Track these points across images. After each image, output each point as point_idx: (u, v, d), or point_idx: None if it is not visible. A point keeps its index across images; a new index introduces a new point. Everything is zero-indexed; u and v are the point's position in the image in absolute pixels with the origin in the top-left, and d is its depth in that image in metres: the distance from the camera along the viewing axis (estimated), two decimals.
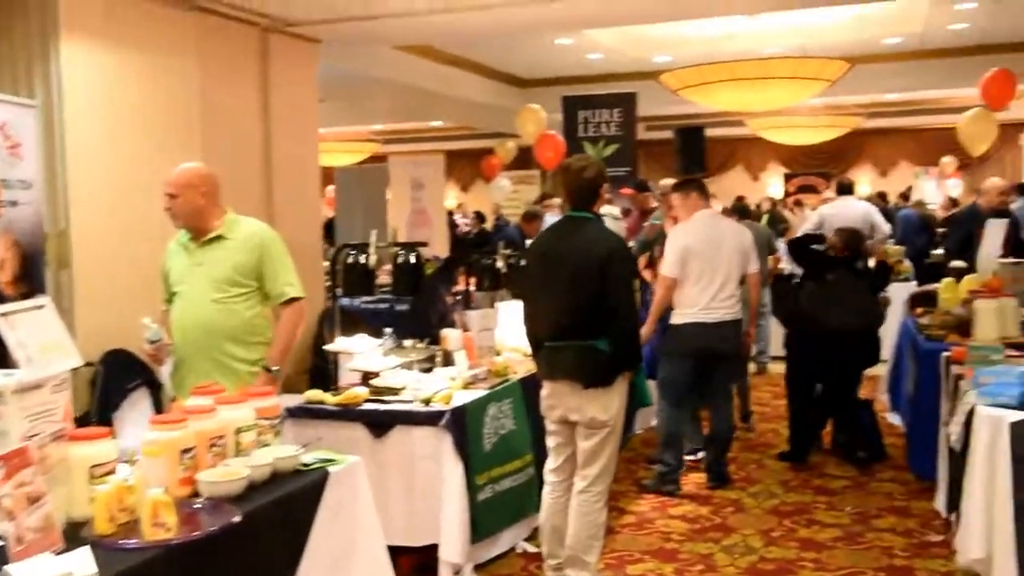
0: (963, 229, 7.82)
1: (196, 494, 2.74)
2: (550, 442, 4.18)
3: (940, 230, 13.37)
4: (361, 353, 4.72)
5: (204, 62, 5.97)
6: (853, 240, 6.29)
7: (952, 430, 4.15)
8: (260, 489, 2.83)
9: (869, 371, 6.39)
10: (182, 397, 3.47)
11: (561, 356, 3.97)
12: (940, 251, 11.56)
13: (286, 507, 2.85)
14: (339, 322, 5.04)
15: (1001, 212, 7.60)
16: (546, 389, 4.12)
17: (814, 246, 6.69)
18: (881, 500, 5.38)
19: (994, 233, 6.79)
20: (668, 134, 14.38)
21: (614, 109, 10.98)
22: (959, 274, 6.92)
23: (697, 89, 9.50)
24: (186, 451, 2.77)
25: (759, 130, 15.73)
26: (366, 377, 4.53)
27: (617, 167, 10.28)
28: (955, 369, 4.76)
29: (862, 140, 18.64)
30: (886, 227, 9.39)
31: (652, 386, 6.16)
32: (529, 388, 4.76)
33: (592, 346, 3.89)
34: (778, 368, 8.68)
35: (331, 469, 3.10)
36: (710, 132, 16.73)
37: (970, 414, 3.97)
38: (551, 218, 8.79)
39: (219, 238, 3.84)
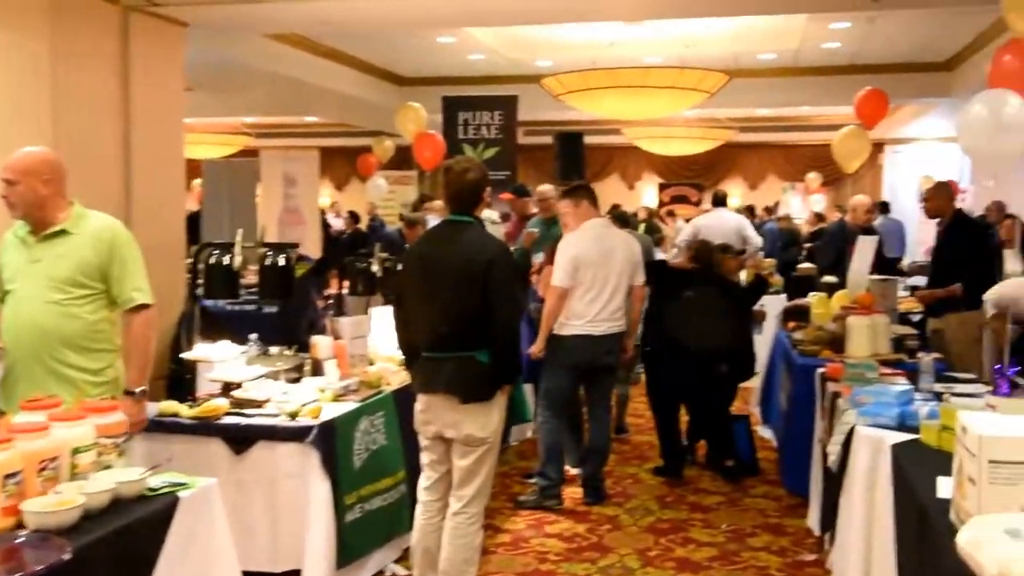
0: (833, 245, 7.98)
1: (21, 526, 2.41)
2: (424, 459, 3.95)
3: (807, 244, 13.79)
4: (222, 361, 4.39)
5: (56, 42, 5.48)
6: (703, 253, 6.25)
7: (831, 449, 4.11)
8: (97, 519, 2.52)
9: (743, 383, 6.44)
10: (10, 411, 3.08)
11: (440, 368, 3.75)
12: (807, 264, 11.89)
13: (127, 539, 2.55)
14: (200, 326, 4.69)
15: (867, 229, 7.77)
16: (421, 403, 3.88)
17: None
18: (755, 516, 5.36)
19: (864, 249, 6.91)
20: (547, 140, 14.34)
21: (495, 111, 10.82)
22: (830, 289, 7.04)
23: (580, 95, 9.43)
24: (10, 476, 2.44)
25: (636, 139, 15.89)
26: (227, 388, 4.21)
27: (497, 171, 10.09)
28: (831, 386, 4.76)
29: (734, 153, 19.07)
30: (758, 240, 9.54)
31: (529, 391, 6.09)
32: (402, 401, 4.52)
33: (472, 358, 3.69)
34: None
35: (181, 494, 2.81)
36: (588, 140, 16.80)
37: (849, 434, 3.95)
38: (434, 221, 8.55)
39: (62, 233, 3.46)
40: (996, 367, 3.54)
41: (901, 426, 3.78)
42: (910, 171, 17.73)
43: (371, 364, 4.94)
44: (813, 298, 6.72)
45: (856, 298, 5.91)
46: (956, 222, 6.20)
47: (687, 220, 16.37)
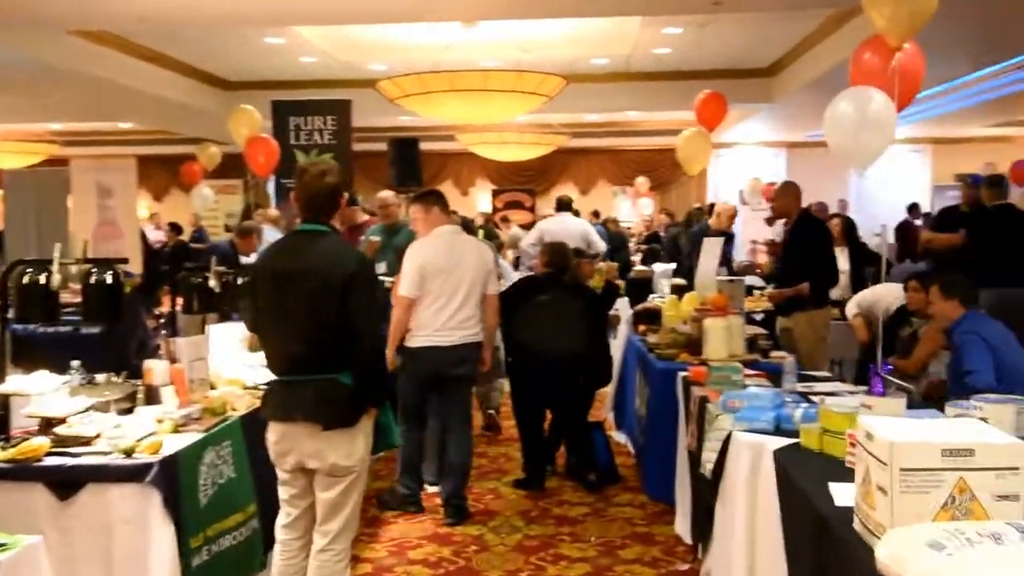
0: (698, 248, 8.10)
1: None
2: (283, 494, 3.59)
3: (643, 247, 14.02)
4: (40, 394, 3.86)
5: None
6: (558, 256, 6.11)
7: (707, 456, 4.02)
8: None
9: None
10: None
11: (297, 393, 3.40)
12: (642, 267, 12.05)
13: None
14: (10, 354, 4.14)
15: (729, 234, 7.94)
16: (275, 432, 3.52)
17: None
18: (623, 526, 5.24)
19: (710, 251, 6.97)
20: (380, 146, 13.96)
21: (328, 116, 10.40)
22: (680, 291, 7.06)
23: (418, 98, 9.16)
24: None
25: (470, 145, 15.75)
26: (48, 424, 3.69)
27: None
28: (697, 391, 4.68)
29: (565, 159, 19.26)
30: (602, 244, 9.55)
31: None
32: (251, 427, 4.12)
33: (334, 380, 3.37)
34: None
35: None
36: (421, 146, 16.57)
37: (726, 440, 3.86)
38: (271, 233, 8.08)
39: None
40: (871, 366, 3.52)
41: (778, 430, 3.73)
42: (733, 174, 18.42)
43: (213, 388, 4.50)
44: (665, 300, 6.71)
45: (710, 300, 5.91)
46: (803, 222, 6.32)
47: (522, 226, 16.43)
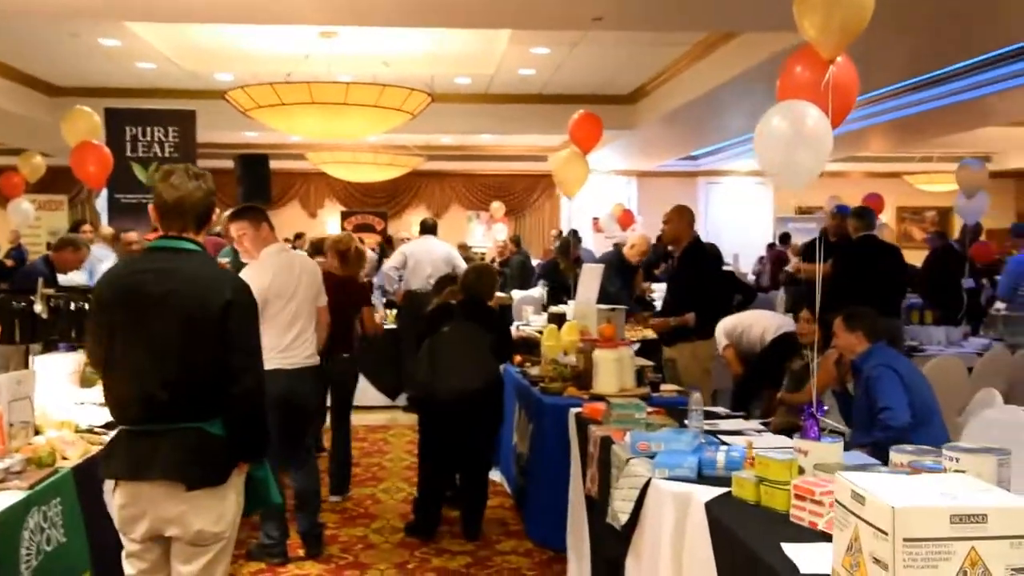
0: (620, 277, 7.87)
1: None
2: (130, 568, 2.95)
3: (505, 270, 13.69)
4: None
5: None
6: (475, 282, 5.62)
7: (620, 506, 3.63)
8: None
9: None
10: None
11: (154, 445, 2.80)
12: (502, 293, 11.69)
13: None
14: None
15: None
16: (124, 495, 2.88)
17: None
18: None
19: (590, 278, 6.66)
20: (225, 163, 13.11)
21: (169, 127, 9.55)
22: (559, 320, 6.71)
23: (272, 111, 8.51)
24: None
25: (320, 165, 15.04)
26: None
27: None
28: (596, 430, 4.31)
29: (417, 182, 18.79)
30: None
31: None
32: (86, 480, 3.47)
33: (200, 430, 2.79)
34: (364, 420, 7.98)
35: None
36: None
37: (644, 488, 3.48)
38: (102, 251, 7.25)
39: None
40: (805, 408, 3.22)
41: (700, 476, 3.38)
42: (586, 202, 18.39)
43: (38, 434, 3.79)
44: (545, 330, 6.33)
45: (599, 330, 5.56)
46: (692, 249, 6.08)
47: (372, 249, 15.82)
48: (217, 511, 2.82)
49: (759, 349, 7.33)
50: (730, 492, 3.14)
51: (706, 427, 4.24)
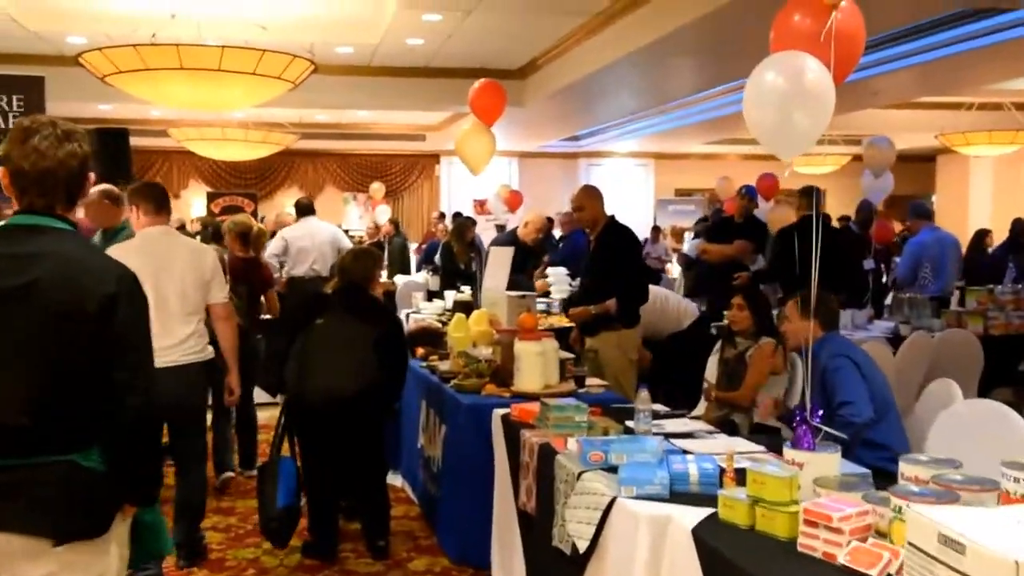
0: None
1: None
2: None
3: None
4: None
5: None
6: (357, 266, 4.90)
7: (576, 529, 3.13)
8: None
9: None
10: None
11: (9, 487, 2.12)
12: (386, 279, 11.05)
13: None
14: None
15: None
16: None
17: None
18: None
19: (498, 262, 6.14)
20: None
21: (14, 95, 8.48)
22: (465, 309, 6.17)
23: (135, 77, 7.59)
24: None
25: (185, 142, 13.97)
26: None
27: None
28: (530, 436, 3.81)
29: (289, 161, 17.85)
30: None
31: None
32: None
33: (72, 464, 2.13)
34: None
35: None
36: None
37: (607, 509, 2.99)
38: None
39: None
40: (797, 412, 2.80)
41: (673, 495, 2.92)
42: (465, 183, 17.86)
43: None
44: (452, 320, 5.78)
45: (520, 320, 5.04)
46: (610, 230, 5.62)
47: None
48: (96, 570, 2.17)
49: (667, 335, 7.00)
50: (716, 514, 2.69)
51: (655, 430, 3.81)
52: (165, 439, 5.80)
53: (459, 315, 5.80)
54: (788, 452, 2.75)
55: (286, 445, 4.73)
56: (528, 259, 8.25)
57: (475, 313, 5.85)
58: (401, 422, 6.02)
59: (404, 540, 4.99)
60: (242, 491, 5.85)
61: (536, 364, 4.66)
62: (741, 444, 3.70)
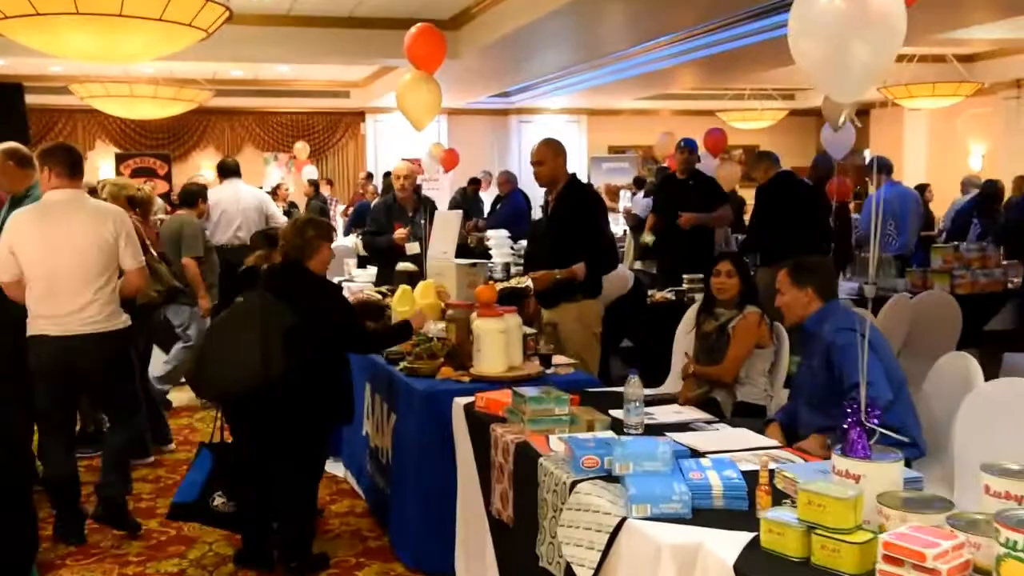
0: None
1: None
2: None
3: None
4: None
5: None
6: (299, 240, 4.30)
7: (571, 553, 2.60)
8: None
9: None
10: None
11: None
12: None
13: None
14: None
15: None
16: None
17: None
18: None
19: (446, 227, 5.55)
20: None
21: None
22: (410, 279, 5.57)
23: (27, 24, 6.67)
24: None
25: (89, 99, 12.91)
26: None
27: None
28: (503, 433, 3.27)
29: (204, 120, 16.79)
30: (283, 218, 7.77)
31: None
32: None
33: None
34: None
35: None
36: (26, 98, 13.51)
37: (615, 531, 2.47)
38: None
39: None
40: (848, 409, 2.29)
41: (694, 513, 2.41)
42: (391, 143, 17.11)
43: None
44: (397, 292, 5.17)
45: (478, 292, 4.45)
46: (572, 189, 5.06)
47: (163, 195, 13.95)
48: None
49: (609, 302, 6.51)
50: (756, 540, 2.19)
51: (648, 421, 3.30)
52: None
53: (404, 287, 5.20)
54: (840, 461, 2.26)
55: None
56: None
57: (421, 284, 5.25)
58: None
59: (351, 542, 4.43)
60: (162, 488, 5.21)
61: (498, 344, 4.10)
62: (749, 437, 3.21)
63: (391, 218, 6.59)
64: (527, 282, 5.25)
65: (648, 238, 7.68)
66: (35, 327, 4.29)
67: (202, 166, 16.28)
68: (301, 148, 14.96)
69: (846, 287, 7.05)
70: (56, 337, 4.25)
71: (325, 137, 17.69)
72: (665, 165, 11.60)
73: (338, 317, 4.09)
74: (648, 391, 5.24)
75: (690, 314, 5.19)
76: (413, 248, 6.39)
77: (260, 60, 12.40)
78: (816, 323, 3.68)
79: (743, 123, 15.94)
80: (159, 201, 12.89)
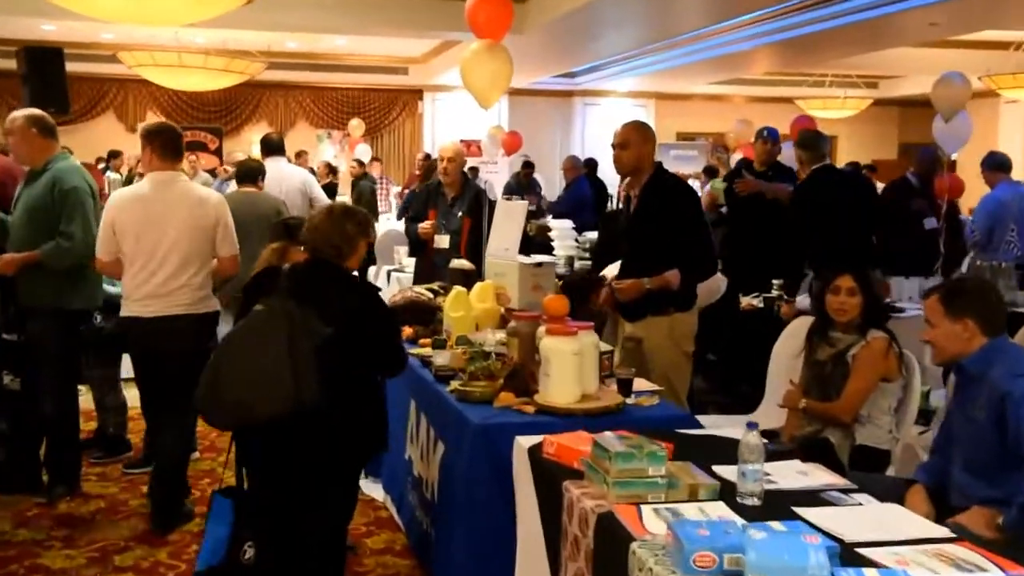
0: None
1: None
2: None
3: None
4: None
5: None
6: (335, 233, 3.51)
7: None
8: None
9: None
10: None
11: None
12: None
13: None
14: None
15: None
16: None
17: None
18: None
19: (509, 219, 4.83)
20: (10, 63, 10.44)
21: None
22: (466, 279, 4.85)
23: None
24: None
25: (138, 68, 12.41)
26: None
27: None
28: (580, 495, 2.55)
29: (257, 94, 16.25)
30: (326, 201, 7.11)
31: None
32: None
33: None
34: None
35: None
36: (72, 67, 12.95)
37: None
38: None
39: None
40: None
41: None
42: (449, 123, 16.43)
43: None
44: (450, 295, 4.46)
45: (547, 304, 3.73)
46: (661, 181, 4.28)
47: (211, 171, 13.44)
48: None
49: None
50: None
51: (767, 487, 2.56)
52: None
53: (458, 289, 4.50)
54: None
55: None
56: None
57: (478, 286, 4.56)
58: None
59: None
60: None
61: (571, 368, 3.38)
62: (908, 522, 2.45)
63: (428, 205, 5.94)
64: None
65: (718, 186, 6.95)
66: (127, 309, 4.34)
67: (254, 141, 15.75)
68: (356, 126, 14.33)
69: None
70: (146, 319, 4.28)
71: (381, 115, 17.06)
72: (743, 156, 10.73)
73: (379, 330, 3.38)
74: (736, 416, 4.52)
75: (793, 331, 4.43)
76: (442, 242, 5.74)
77: (313, 29, 11.73)
78: (980, 364, 2.89)
79: (823, 112, 14.93)
80: (204, 175, 12.40)
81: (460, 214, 5.72)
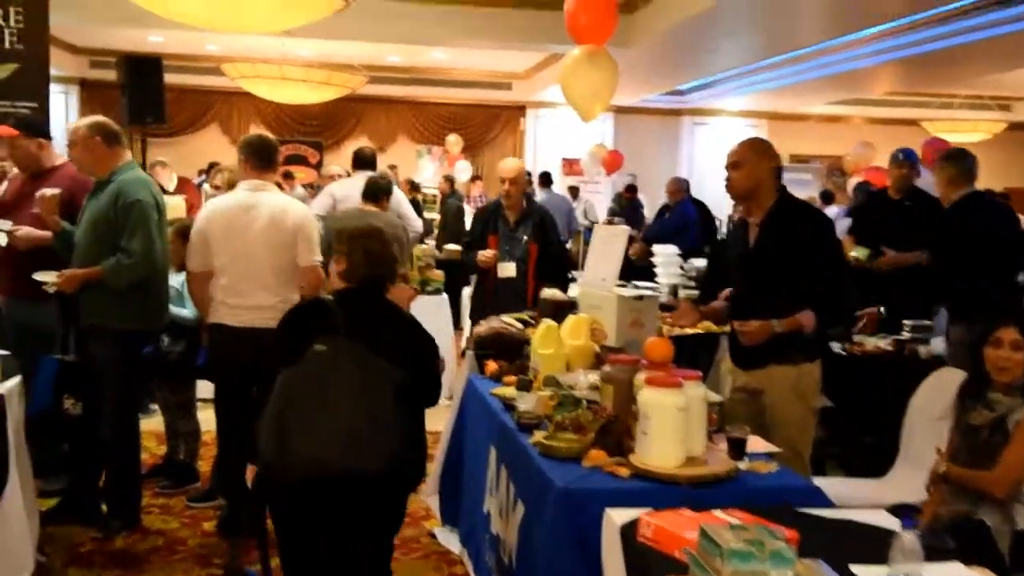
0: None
1: None
2: None
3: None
4: None
5: None
6: (376, 256, 3.09)
7: None
8: None
9: None
10: None
11: None
12: (453, 246, 9.26)
13: None
14: None
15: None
16: None
17: None
18: None
19: (608, 244, 4.34)
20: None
21: (11, 8, 6.98)
22: (557, 311, 4.36)
23: None
24: None
25: (240, 80, 12.40)
26: None
27: (21, 100, 6.57)
28: None
29: (359, 108, 16.13)
30: (418, 223, 6.75)
31: None
32: None
33: None
34: None
35: None
36: (178, 79, 13.13)
37: None
38: None
39: None
40: None
41: None
42: (552, 140, 16.04)
43: None
44: (538, 330, 3.98)
45: (648, 346, 3.22)
46: (787, 208, 3.71)
47: (308, 186, 13.31)
48: None
49: None
50: None
51: None
52: None
53: (548, 322, 4.02)
54: None
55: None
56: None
57: (571, 320, 4.07)
58: (462, 463, 4.31)
59: None
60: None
61: (674, 425, 2.86)
62: None
63: (487, 230, 5.45)
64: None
65: (861, 252, 6.13)
66: (215, 315, 4.23)
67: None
68: (454, 142, 14.03)
69: None
70: (234, 327, 4.16)
71: (482, 131, 16.76)
72: (863, 180, 9.99)
73: (429, 366, 3.00)
74: (864, 480, 3.93)
75: (935, 384, 3.82)
76: (507, 270, 5.25)
77: (414, 41, 11.48)
78: None
79: (952, 135, 13.97)
80: (299, 190, 12.22)
81: (525, 239, 5.26)
